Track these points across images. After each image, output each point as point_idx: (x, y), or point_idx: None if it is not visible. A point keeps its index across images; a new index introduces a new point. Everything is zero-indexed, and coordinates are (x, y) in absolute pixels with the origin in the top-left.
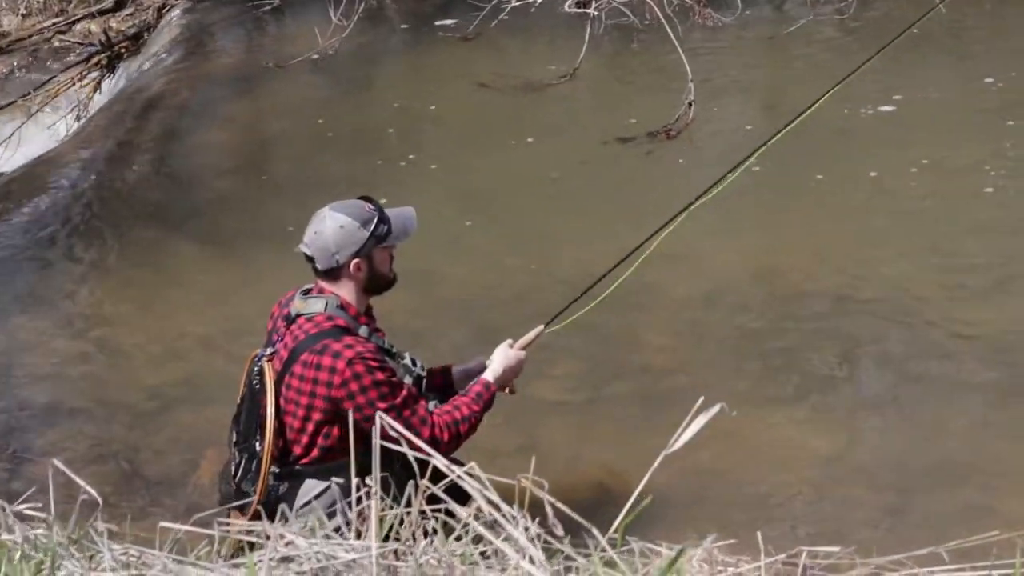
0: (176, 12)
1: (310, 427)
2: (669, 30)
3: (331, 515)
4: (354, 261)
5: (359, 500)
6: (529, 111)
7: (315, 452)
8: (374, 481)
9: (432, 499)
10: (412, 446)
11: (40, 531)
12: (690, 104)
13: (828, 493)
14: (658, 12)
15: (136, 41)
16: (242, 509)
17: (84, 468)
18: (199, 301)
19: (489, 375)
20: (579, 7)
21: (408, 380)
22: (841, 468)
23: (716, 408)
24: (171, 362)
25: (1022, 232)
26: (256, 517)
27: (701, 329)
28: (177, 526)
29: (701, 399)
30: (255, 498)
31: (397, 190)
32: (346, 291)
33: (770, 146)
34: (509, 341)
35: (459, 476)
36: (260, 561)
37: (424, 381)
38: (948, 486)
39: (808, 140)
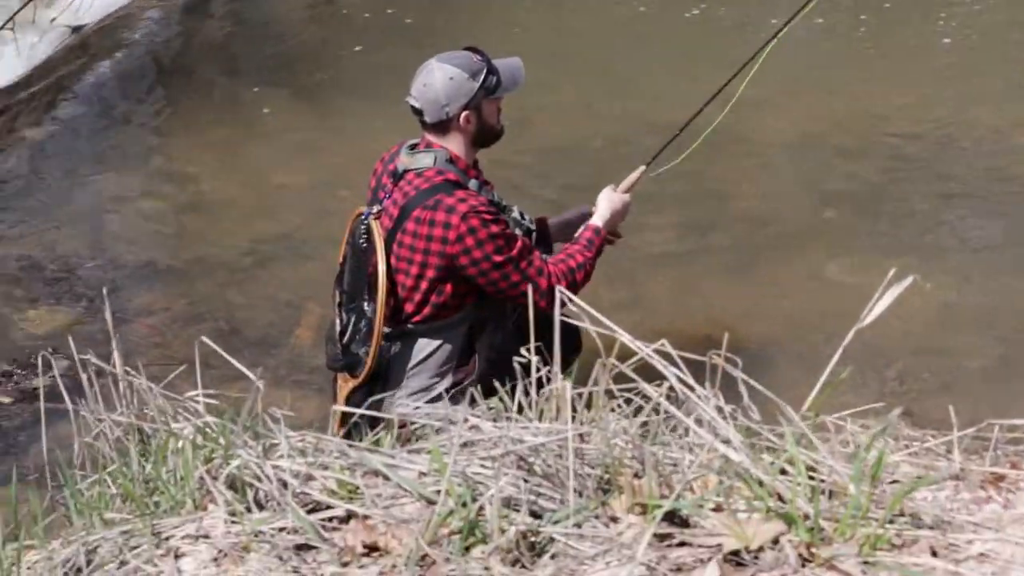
0: None
1: (423, 284)
2: None
3: (442, 374)
4: (464, 113)
5: (539, 381)
6: None
7: (427, 310)
8: (554, 362)
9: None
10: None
11: (211, 419)
12: None
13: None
14: None
15: None
16: (351, 371)
17: (181, 328)
18: (287, 154)
19: (597, 220)
20: None
21: (519, 232)
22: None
23: (908, 280)
24: (263, 217)
25: None
26: (370, 379)
27: (798, 175)
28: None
29: (893, 271)
30: (368, 360)
31: (482, 39)
32: (455, 144)
33: None
34: (612, 185)
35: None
36: (445, 446)
37: (533, 234)
38: None
39: None
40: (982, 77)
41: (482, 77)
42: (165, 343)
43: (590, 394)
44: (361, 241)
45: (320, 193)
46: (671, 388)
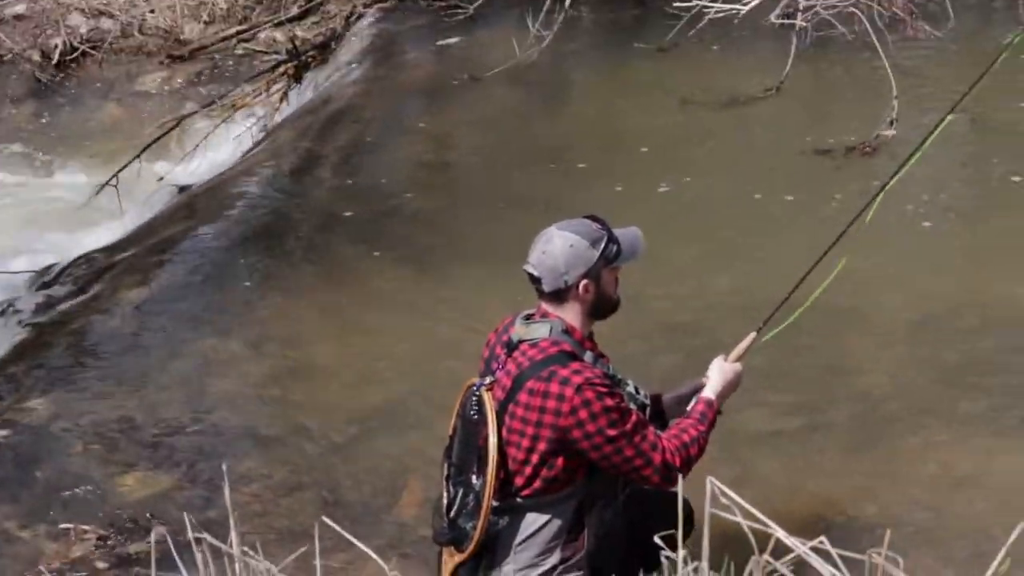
0: (366, 21)
1: (535, 458)
2: (877, 43)
3: (550, 550)
4: (583, 282)
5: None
6: (729, 125)
7: (537, 483)
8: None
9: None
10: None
11: None
12: (891, 122)
13: None
14: (867, 24)
15: (324, 50)
16: (458, 546)
17: (283, 497)
18: (395, 321)
19: (709, 391)
20: (785, 18)
21: (633, 407)
22: None
23: None
24: (368, 386)
25: None
26: (477, 554)
27: (913, 352)
28: None
29: None
30: (475, 534)
31: (593, 207)
32: (571, 315)
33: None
34: (722, 356)
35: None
36: None
37: (648, 409)
38: None
39: None
40: None
41: (602, 245)
42: (265, 511)
43: None
44: (472, 412)
45: (428, 363)
46: None
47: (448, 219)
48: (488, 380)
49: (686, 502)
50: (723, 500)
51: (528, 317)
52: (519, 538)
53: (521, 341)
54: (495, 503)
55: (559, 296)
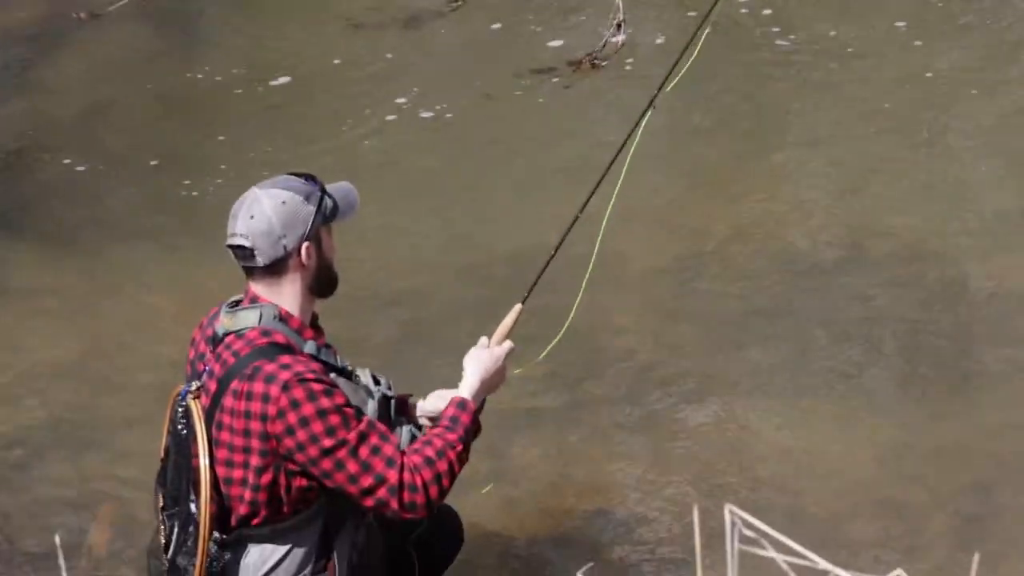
0: None
1: (251, 477)
2: None
3: None
4: (304, 245)
5: None
6: (416, 49)
7: (264, 508)
8: None
9: None
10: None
11: None
12: (619, 25)
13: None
14: None
15: None
16: None
17: None
18: (47, 317)
19: (463, 390)
20: None
21: (371, 405)
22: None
23: None
24: (27, 398)
25: None
26: None
27: (681, 304)
28: None
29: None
30: (196, 573)
31: (268, 162)
32: (288, 296)
33: None
34: (483, 339)
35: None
36: None
37: (393, 402)
38: None
39: None
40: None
41: (317, 199)
42: None
43: None
44: (180, 427)
45: (95, 365)
46: None
47: (92, 188)
48: (195, 386)
49: (454, 514)
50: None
51: (235, 304)
52: (257, 574)
53: (227, 333)
54: (221, 536)
55: (276, 269)
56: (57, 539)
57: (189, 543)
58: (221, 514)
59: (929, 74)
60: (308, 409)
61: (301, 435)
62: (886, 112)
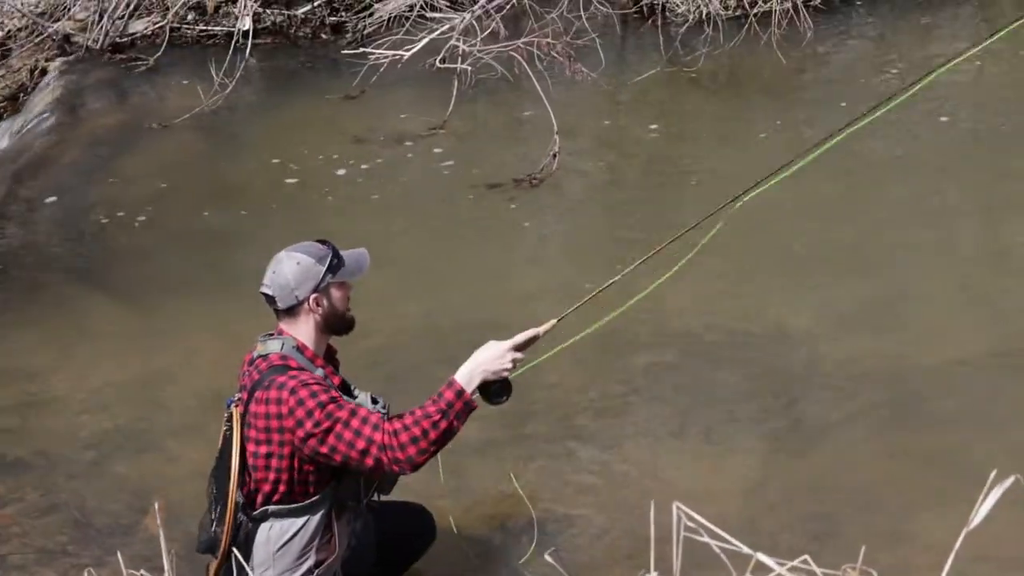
0: (51, 75)
1: (275, 462)
2: (537, 85)
3: (305, 554)
4: (313, 296)
5: None
6: (401, 162)
7: (283, 490)
8: None
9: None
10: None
11: None
12: (554, 155)
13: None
14: (527, 68)
15: (14, 102)
16: (213, 552)
17: (39, 518)
18: (115, 351)
19: (458, 372)
20: (444, 63)
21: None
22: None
23: (1011, 480)
24: (99, 412)
25: None
26: (230, 558)
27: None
28: None
29: (995, 472)
30: (223, 539)
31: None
32: (304, 331)
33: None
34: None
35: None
36: None
37: (386, 414)
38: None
39: None
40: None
41: (327, 261)
42: (23, 532)
43: None
44: (226, 428)
45: (149, 389)
46: None
47: (154, 255)
48: (236, 396)
49: (426, 513)
50: (688, 523)
51: (268, 336)
52: (276, 545)
53: (258, 357)
54: (249, 512)
55: (293, 312)
56: (156, 506)
57: (218, 515)
58: (249, 494)
59: None
60: (311, 403)
61: (308, 424)
62: None
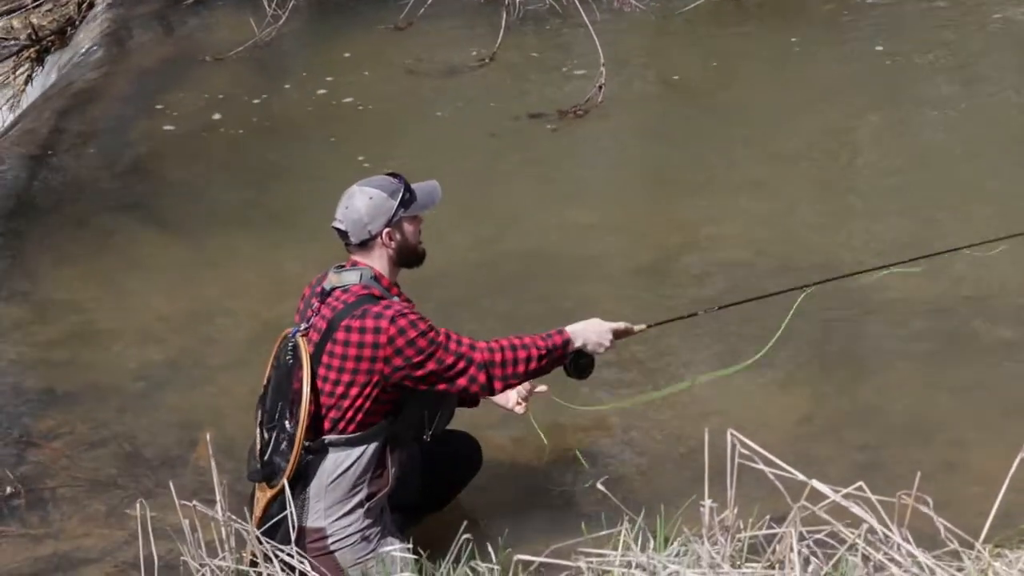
0: (99, 7)
1: (353, 391)
2: (584, 16)
3: (359, 486)
4: (386, 231)
5: None
6: (451, 93)
7: (346, 423)
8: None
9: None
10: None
11: None
12: (600, 87)
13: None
14: None
15: (62, 35)
16: (269, 481)
17: (88, 451)
18: (164, 284)
19: (573, 325)
20: None
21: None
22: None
23: None
24: (149, 344)
25: None
26: (291, 489)
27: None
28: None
29: None
30: (288, 469)
31: (339, 174)
32: (379, 263)
33: None
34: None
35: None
36: None
37: None
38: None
39: None
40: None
41: (400, 195)
42: (72, 465)
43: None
44: (288, 358)
45: (199, 322)
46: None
47: (203, 189)
48: (303, 327)
49: (472, 441)
50: (743, 451)
51: (340, 267)
52: (330, 476)
53: (334, 288)
54: (307, 443)
55: (366, 246)
56: (208, 437)
57: (283, 447)
58: (312, 424)
59: None
60: (412, 333)
61: (410, 352)
62: None
